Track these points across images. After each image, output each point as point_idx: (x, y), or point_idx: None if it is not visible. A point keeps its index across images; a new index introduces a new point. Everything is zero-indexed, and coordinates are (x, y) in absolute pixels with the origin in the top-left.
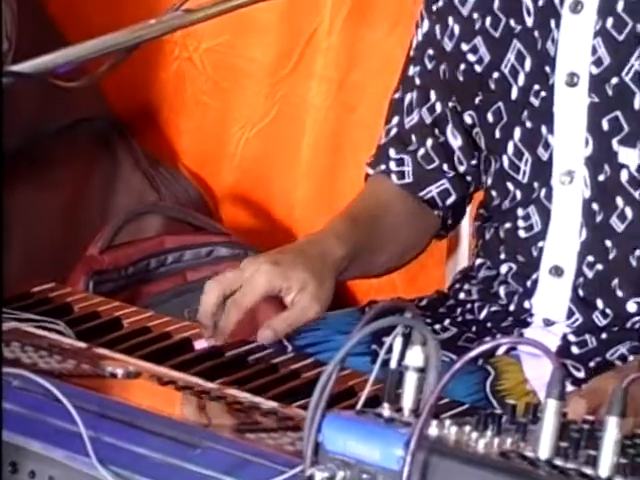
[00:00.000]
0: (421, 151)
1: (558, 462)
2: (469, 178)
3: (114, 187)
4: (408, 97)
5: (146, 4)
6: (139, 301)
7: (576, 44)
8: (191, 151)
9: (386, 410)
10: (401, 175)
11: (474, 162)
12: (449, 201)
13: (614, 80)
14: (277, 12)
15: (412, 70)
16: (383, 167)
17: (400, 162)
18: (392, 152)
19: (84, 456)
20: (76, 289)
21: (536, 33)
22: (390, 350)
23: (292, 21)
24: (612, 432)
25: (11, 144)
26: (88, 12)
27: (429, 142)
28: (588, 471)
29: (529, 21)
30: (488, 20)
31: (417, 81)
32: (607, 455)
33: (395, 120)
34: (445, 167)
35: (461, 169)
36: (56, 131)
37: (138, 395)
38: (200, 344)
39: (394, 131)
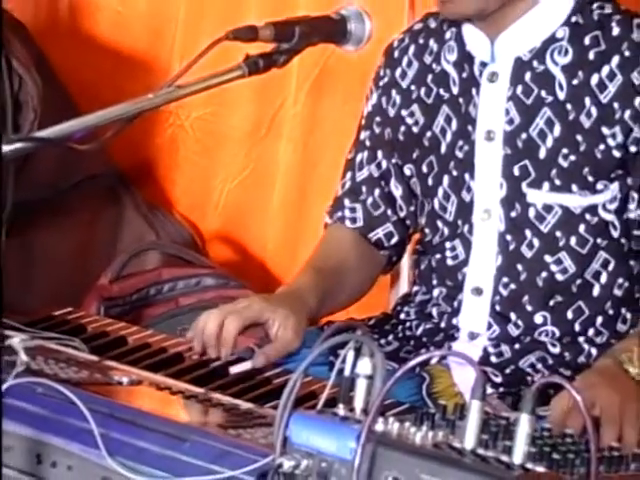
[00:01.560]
0: (370, 200)
1: (480, 451)
2: (408, 222)
3: (120, 229)
4: (359, 156)
5: (144, 81)
6: (141, 322)
7: (493, 107)
8: (183, 200)
9: (341, 410)
10: (353, 221)
11: (412, 209)
12: (393, 241)
13: (523, 135)
14: (252, 88)
15: (363, 134)
16: (339, 214)
17: (353, 210)
18: (347, 202)
19: (96, 449)
20: (89, 313)
21: (461, 99)
22: (344, 361)
23: (264, 95)
24: (524, 426)
25: (36, 195)
26: (98, 88)
27: (376, 192)
28: (505, 458)
29: (455, 90)
30: (422, 90)
31: (367, 143)
32: (520, 445)
33: (348, 175)
34: (389, 213)
35: (402, 214)
36: (72, 185)
37: (140, 399)
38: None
39: (348, 185)
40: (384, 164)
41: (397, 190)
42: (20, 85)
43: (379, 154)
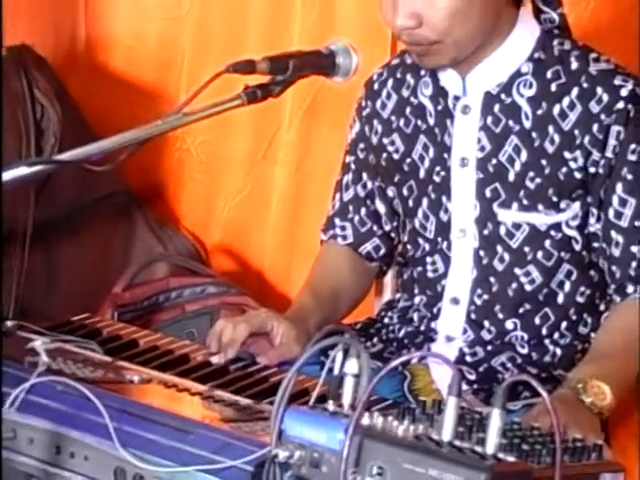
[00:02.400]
0: (357, 218)
1: (457, 443)
2: (393, 235)
3: (132, 243)
4: (346, 178)
5: (153, 109)
6: (151, 326)
7: (466, 136)
8: (189, 216)
9: (331, 405)
10: (344, 238)
11: (395, 224)
12: (381, 253)
13: (493, 161)
14: (251, 116)
15: (348, 158)
16: (332, 232)
17: (343, 228)
18: (337, 221)
19: (110, 441)
20: (104, 318)
21: (437, 130)
22: (334, 361)
23: (261, 122)
24: (496, 420)
25: (58, 212)
26: (112, 116)
27: (363, 210)
28: (479, 449)
29: (431, 121)
30: (402, 121)
31: (352, 166)
32: (492, 437)
33: (337, 196)
34: (375, 228)
35: (387, 229)
36: (89, 203)
37: (149, 396)
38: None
39: (337, 205)
40: (369, 185)
41: (382, 208)
42: (42, 113)
43: (364, 176)
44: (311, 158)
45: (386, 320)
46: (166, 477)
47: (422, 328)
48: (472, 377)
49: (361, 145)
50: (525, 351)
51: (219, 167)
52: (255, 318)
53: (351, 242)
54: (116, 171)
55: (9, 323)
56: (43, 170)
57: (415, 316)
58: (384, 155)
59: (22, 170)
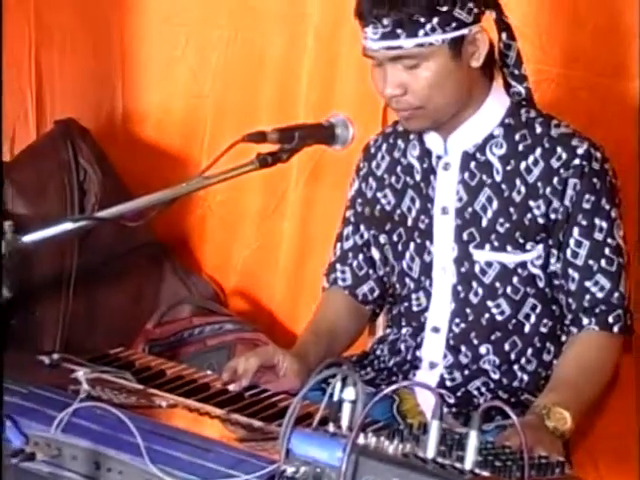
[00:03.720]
0: (355, 263)
1: (439, 460)
2: (385, 279)
3: (161, 287)
4: (346, 230)
5: (180, 172)
6: (177, 358)
7: (446, 189)
8: (210, 264)
9: (331, 427)
10: (344, 280)
11: (387, 269)
12: (375, 294)
13: (469, 209)
14: (261, 178)
15: (348, 213)
16: (333, 276)
17: (343, 272)
18: (338, 266)
19: (141, 458)
20: (137, 351)
21: (422, 184)
22: (334, 388)
23: (271, 184)
24: (473, 440)
25: (97, 260)
26: (145, 178)
27: (360, 257)
28: (458, 465)
29: (417, 177)
30: (393, 178)
31: (352, 219)
32: (470, 455)
33: (338, 245)
34: (371, 272)
35: (380, 273)
36: (125, 252)
37: (175, 419)
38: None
39: (338, 253)
40: (365, 235)
41: (376, 254)
42: (85, 177)
43: (361, 227)
44: (314, 214)
45: (378, 352)
46: None
47: (408, 357)
48: (451, 401)
49: (359, 200)
50: (497, 377)
51: (236, 222)
52: (264, 352)
53: (350, 284)
54: (148, 225)
55: (55, 356)
56: (85, 225)
57: (402, 346)
58: (377, 207)
59: (67, 225)
